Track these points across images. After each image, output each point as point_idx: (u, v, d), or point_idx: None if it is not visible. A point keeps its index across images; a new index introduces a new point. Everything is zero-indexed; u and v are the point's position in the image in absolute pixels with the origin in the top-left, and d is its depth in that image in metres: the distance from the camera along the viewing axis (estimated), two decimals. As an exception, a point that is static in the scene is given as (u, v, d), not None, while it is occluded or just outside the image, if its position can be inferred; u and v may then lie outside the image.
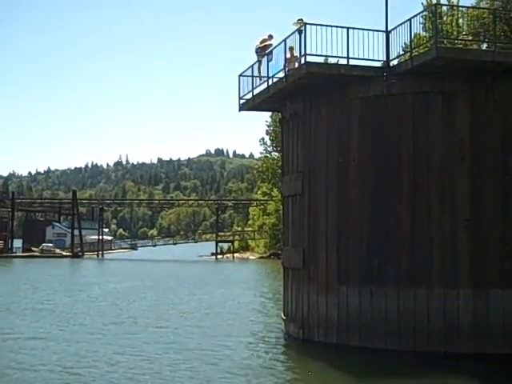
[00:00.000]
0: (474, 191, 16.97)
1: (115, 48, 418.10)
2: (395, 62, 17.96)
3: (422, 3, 43.19)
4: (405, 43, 17.72)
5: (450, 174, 17.07)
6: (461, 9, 22.00)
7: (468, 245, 16.90)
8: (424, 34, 21.01)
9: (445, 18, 24.68)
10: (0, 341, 19.63)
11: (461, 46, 19.23)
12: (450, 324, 16.66)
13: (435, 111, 17.18)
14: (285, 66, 18.24)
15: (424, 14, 19.71)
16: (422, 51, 17.55)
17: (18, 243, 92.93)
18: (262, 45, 20.19)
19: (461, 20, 21.87)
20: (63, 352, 17.79)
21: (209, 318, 24.39)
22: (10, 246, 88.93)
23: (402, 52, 18.17)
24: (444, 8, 26.76)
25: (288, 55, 18.33)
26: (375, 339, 17.09)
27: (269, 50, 19.90)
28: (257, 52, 20.32)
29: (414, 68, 16.92)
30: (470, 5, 32.72)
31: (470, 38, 19.31)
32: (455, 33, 22.67)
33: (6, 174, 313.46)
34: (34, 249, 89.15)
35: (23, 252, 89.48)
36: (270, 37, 20.36)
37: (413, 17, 17.06)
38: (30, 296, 33.09)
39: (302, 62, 17.63)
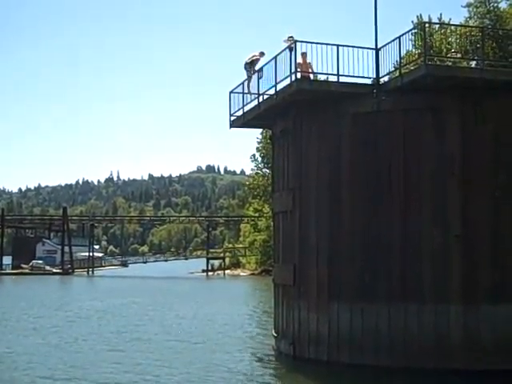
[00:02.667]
0: (465, 206, 17.03)
1: (106, 65, 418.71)
2: (385, 79, 18.09)
3: (413, 21, 43.66)
4: (396, 61, 17.85)
5: (440, 190, 17.13)
6: (450, 27, 22.22)
7: (459, 260, 16.93)
8: (414, 51, 21.21)
9: (435, 36, 24.93)
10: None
11: (450, 63, 19.40)
12: (441, 340, 16.64)
13: (425, 127, 17.28)
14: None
15: (414, 31, 19.89)
16: (411, 68, 17.69)
17: (7, 260, 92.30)
18: (250, 60, 20.25)
19: (450, 38, 22.08)
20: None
21: (199, 335, 24.25)
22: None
23: (391, 69, 18.29)
24: (436, 26, 27.10)
25: (300, 60, 18.34)
26: (366, 356, 17.03)
27: (258, 65, 19.96)
28: (245, 68, 20.37)
29: (404, 85, 17.03)
30: (459, 23, 33.12)
31: (459, 55, 19.45)
32: (445, 50, 22.87)
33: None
34: (23, 266, 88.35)
35: (13, 269, 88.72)
36: (262, 54, 20.39)
37: (402, 34, 17.22)
38: (23, 314, 32.72)
39: (293, 78, 17.72)
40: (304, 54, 18.20)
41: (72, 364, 18.57)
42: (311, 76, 18.48)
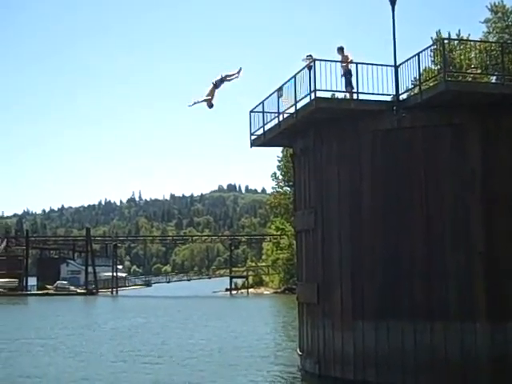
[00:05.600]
0: (488, 222, 16.91)
1: (125, 82, 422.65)
2: (404, 96, 18.09)
3: (432, 37, 43.75)
4: (414, 78, 17.88)
5: (462, 206, 17.04)
6: (470, 42, 22.20)
7: (484, 277, 16.76)
8: (433, 67, 21.21)
9: (454, 53, 24.91)
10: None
11: (470, 79, 19.37)
12: (467, 358, 16.45)
13: (446, 144, 17.24)
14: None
15: (433, 47, 19.90)
16: (431, 85, 17.69)
17: (32, 281, 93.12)
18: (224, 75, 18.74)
19: (470, 54, 22.07)
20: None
21: (224, 354, 24.26)
22: (24, 284, 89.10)
23: (411, 86, 18.32)
24: (455, 42, 27.09)
25: (339, 57, 18.38)
26: (392, 374, 16.89)
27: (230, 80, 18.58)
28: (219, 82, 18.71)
29: (424, 101, 17.03)
30: (478, 38, 33.10)
31: (479, 71, 19.42)
32: (465, 66, 22.85)
33: (20, 212, 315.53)
34: (48, 286, 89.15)
35: (38, 290, 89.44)
36: (239, 71, 18.86)
37: (421, 51, 17.25)
38: (49, 336, 33.03)
39: (312, 97, 17.80)
40: (340, 49, 18.44)
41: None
42: (352, 69, 18.21)
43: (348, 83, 18.21)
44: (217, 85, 18.38)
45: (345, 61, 18.36)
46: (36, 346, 28.08)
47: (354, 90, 18.12)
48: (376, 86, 17.70)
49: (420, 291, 17.06)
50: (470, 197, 17.01)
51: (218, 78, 18.45)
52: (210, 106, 18.17)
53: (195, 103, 18.25)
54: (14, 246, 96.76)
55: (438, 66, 19.63)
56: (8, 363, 22.95)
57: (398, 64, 17.81)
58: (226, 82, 18.47)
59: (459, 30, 43.81)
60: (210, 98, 18.21)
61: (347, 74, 18.22)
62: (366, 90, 17.80)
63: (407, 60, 17.57)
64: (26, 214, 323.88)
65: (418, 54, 17.23)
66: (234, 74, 18.54)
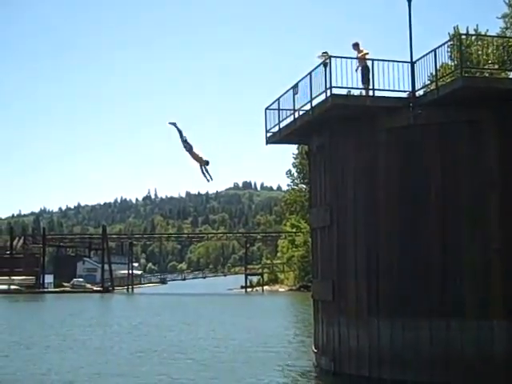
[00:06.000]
0: (505, 219, 16.76)
1: (141, 83, 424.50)
2: (421, 93, 17.97)
3: (449, 33, 43.39)
4: (431, 73, 17.75)
5: (480, 203, 16.91)
6: (487, 38, 22.03)
7: (500, 274, 16.63)
8: (450, 63, 21.06)
9: (472, 48, 24.73)
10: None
11: (487, 74, 19.21)
12: (483, 356, 16.33)
13: (463, 140, 17.11)
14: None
15: (450, 43, 19.76)
16: (448, 81, 17.57)
17: (49, 279, 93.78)
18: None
19: (488, 49, 21.90)
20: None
21: (240, 351, 24.29)
22: (41, 281, 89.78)
23: (427, 82, 18.19)
24: (472, 37, 26.87)
25: (355, 54, 18.25)
26: (407, 372, 16.81)
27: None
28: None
29: (440, 98, 16.90)
30: (496, 33, 32.80)
31: (496, 66, 19.27)
32: (483, 62, 22.66)
33: (37, 211, 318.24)
34: (65, 284, 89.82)
35: (54, 287, 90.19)
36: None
37: (438, 47, 17.11)
38: (66, 333, 33.26)
39: (328, 94, 17.73)
40: (356, 45, 18.34)
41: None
42: (368, 64, 18.06)
43: (365, 79, 18.09)
44: (188, 147, 17.79)
45: (361, 57, 18.25)
46: (54, 342, 28.32)
47: (370, 87, 18.01)
48: (392, 82, 17.61)
49: (436, 289, 16.97)
50: (487, 193, 16.88)
51: (181, 142, 17.77)
52: (207, 163, 17.94)
53: (203, 175, 17.96)
54: (31, 244, 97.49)
55: (455, 62, 19.47)
56: (27, 361, 23.10)
57: (414, 60, 17.70)
58: (185, 136, 17.81)
59: (477, 25, 43.37)
60: (200, 161, 17.78)
61: (363, 70, 18.12)
62: (382, 87, 17.70)
63: (424, 56, 17.44)
64: (43, 212, 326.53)
65: (434, 50, 17.09)
66: (178, 130, 17.81)
